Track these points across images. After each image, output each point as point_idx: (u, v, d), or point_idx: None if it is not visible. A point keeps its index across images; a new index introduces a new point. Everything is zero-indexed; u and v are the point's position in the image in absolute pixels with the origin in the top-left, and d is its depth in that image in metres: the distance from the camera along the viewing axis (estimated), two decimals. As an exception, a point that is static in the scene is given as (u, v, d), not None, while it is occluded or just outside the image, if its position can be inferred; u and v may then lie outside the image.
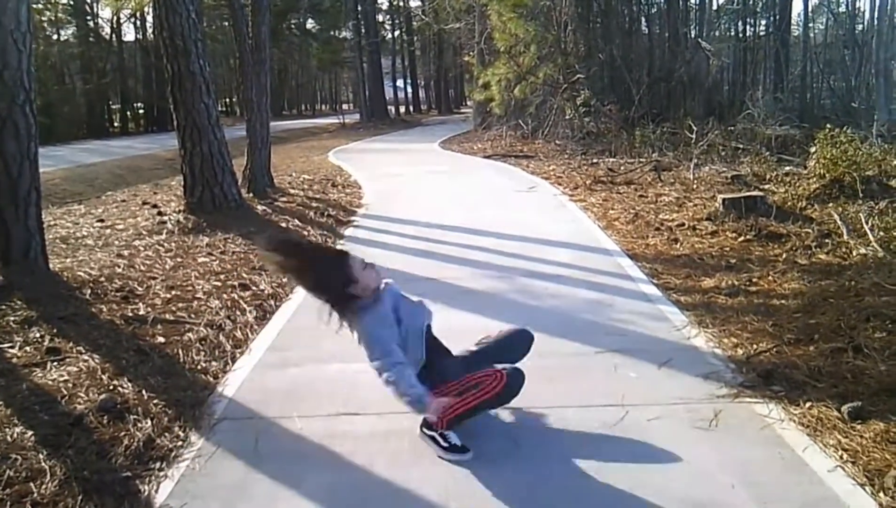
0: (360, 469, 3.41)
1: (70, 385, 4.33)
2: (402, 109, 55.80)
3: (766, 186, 10.45)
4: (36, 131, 6.65)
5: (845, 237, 7.37)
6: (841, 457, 3.34)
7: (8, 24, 6.34)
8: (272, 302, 6.19)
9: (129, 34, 44.11)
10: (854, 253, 6.91)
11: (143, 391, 4.24)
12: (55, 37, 38.69)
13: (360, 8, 42.01)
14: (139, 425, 3.81)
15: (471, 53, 28.90)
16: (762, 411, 3.84)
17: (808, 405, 3.84)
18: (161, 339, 5.20)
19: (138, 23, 41.31)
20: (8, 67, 6.38)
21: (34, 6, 28.99)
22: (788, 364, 4.38)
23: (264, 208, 10.83)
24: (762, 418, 3.76)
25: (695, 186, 11.23)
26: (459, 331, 5.02)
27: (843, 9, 32.71)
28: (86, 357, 4.78)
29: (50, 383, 4.38)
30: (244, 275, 6.95)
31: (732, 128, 15.42)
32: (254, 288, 6.51)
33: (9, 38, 6.34)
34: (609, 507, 3.06)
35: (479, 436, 3.65)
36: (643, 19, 25.30)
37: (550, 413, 3.89)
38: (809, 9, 32.83)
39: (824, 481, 3.17)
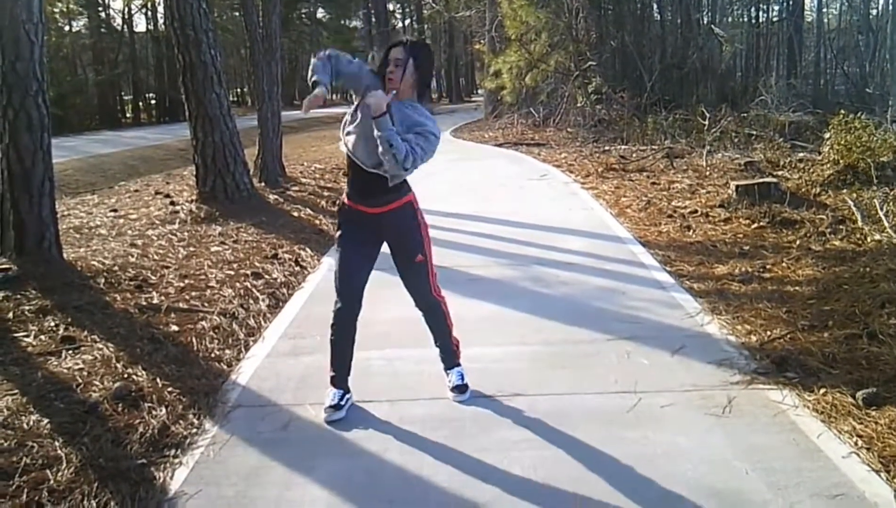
0: (373, 455, 3.42)
1: (85, 374, 4.36)
2: (413, 98, 55.60)
3: (780, 173, 10.38)
4: (49, 122, 6.68)
5: (860, 223, 7.32)
6: (856, 443, 3.33)
7: (20, 16, 6.35)
8: (285, 291, 6.22)
9: (140, 25, 44.17)
10: (868, 239, 6.87)
11: (158, 379, 4.26)
12: (67, 28, 38.76)
13: (370, -4, 41.92)
14: (154, 412, 3.83)
15: (482, 42, 28.80)
16: (776, 397, 3.82)
17: (822, 391, 3.82)
18: (175, 327, 5.23)
19: (149, 13, 41.34)
20: (21, 59, 6.39)
21: (46, -3, 29.12)
22: (802, 351, 4.36)
23: (276, 197, 10.85)
24: (776, 404, 3.75)
25: (708, 172, 11.17)
26: (471, 319, 5.04)
27: (857, -7, 32.36)
28: (100, 346, 4.81)
29: (65, 371, 4.41)
30: (257, 264, 6.97)
31: (745, 114, 15.29)
32: (267, 277, 6.53)
33: (21, 29, 6.36)
34: (623, 494, 3.05)
35: (491, 423, 3.66)
36: (655, 5, 25.01)
37: (563, 400, 3.89)
38: (823, -6, 32.54)
39: (839, 467, 3.16)
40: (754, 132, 13.95)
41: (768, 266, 6.21)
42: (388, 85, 3.52)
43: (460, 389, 3.95)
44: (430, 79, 3.67)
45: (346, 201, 3.73)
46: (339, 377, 3.87)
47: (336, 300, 3.80)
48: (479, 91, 45.57)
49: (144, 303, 5.75)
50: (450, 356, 4.04)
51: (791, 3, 27.04)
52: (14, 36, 6.36)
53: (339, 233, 3.83)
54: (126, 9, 39.73)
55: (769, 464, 3.19)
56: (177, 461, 3.43)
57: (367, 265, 3.79)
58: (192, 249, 7.68)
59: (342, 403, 3.80)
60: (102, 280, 6.33)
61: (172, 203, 10.46)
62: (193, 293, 6.04)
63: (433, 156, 3.57)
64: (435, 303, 3.93)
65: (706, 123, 14.22)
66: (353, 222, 3.73)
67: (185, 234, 8.42)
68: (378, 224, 3.69)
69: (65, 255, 6.98)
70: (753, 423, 3.57)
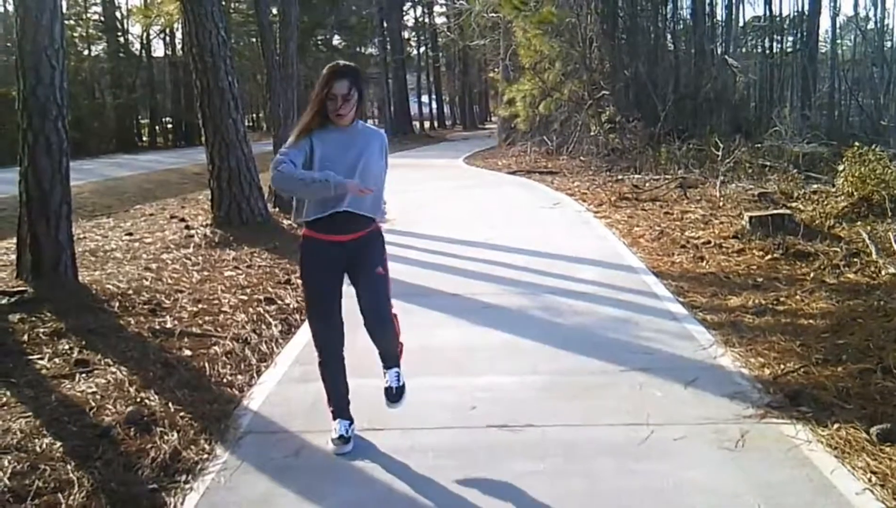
0: (385, 484, 3.41)
1: (98, 397, 4.38)
2: (427, 125, 56.01)
3: (794, 205, 10.36)
4: (68, 147, 6.75)
5: (874, 257, 7.29)
6: (870, 480, 3.30)
7: (42, 41, 6.45)
8: (297, 316, 6.23)
9: (158, 50, 44.61)
10: (883, 273, 6.83)
11: (170, 404, 4.28)
12: (86, 52, 39.27)
13: (386, 25, 42.38)
14: (165, 437, 3.84)
15: (496, 70, 28.98)
16: (789, 432, 3.79)
17: (836, 426, 3.79)
18: (188, 352, 5.25)
19: (168, 39, 41.80)
20: (42, 84, 6.48)
21: (66, 22, 29.53)
22: (816, 385, 4.33)
23: (290, 222, 10.90)
24: (789, 439, 3.72)
25: (721, 203, 11.16)
26: (483, 347, 5.03)
27: (871, 26, 32.41)
28: (114, 369, 4.83)
29: (78, 394, 4.43)
30: (270, 289, 7.00)
31: (759, 145, 15.30)
32: (279, 302, 6.55)
33: (43, 54, 6.45)
34: (634, 527, 3.04)
35: (502, 453, 3.65)
36: (669, 36, 25.19)
37: (575, 431, 3.88)
38: (837, 26, 32.66)
39: (852, 504, 3.13)
40: (768, 163, 13.93)
41: (782, 299, 6.18)
42: (337, 121, 3.51)
43: (396, 391, 3.85)
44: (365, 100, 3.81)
45: (312, 233, 3.64)
46: (340, 408, 3.82)
47: (317, 343, 3.77)
48: (493, 119, 45.83)
49: (158, 327, 5.79)
50: (391, 358, 3.90)
51: (805, 34, 27.11)
52: (36, 61, 6.45)
53: (304, 271, 3.73)
54: (145, 34, 40.21)
55: (782, 500, 3.16)
56: (188, 486, 3.43)
57: (339, 300, 3.72)
58: (205, 273, 7.73)
59: (348, 435, 3.74)
60: (117, 304, 6.37)
61: (187, 227, 10.53)
62: (207, 318, 6.07)
63: None
64: (390, 318, 3.79)
65: (720, 153, 14.21)
66: (321, 254, 3.64)
67: (200, 258, 8.46)
68: (348, 249, 3.62)
69: (80, 278, 7.03)
70: (766, 458, 3.54)
